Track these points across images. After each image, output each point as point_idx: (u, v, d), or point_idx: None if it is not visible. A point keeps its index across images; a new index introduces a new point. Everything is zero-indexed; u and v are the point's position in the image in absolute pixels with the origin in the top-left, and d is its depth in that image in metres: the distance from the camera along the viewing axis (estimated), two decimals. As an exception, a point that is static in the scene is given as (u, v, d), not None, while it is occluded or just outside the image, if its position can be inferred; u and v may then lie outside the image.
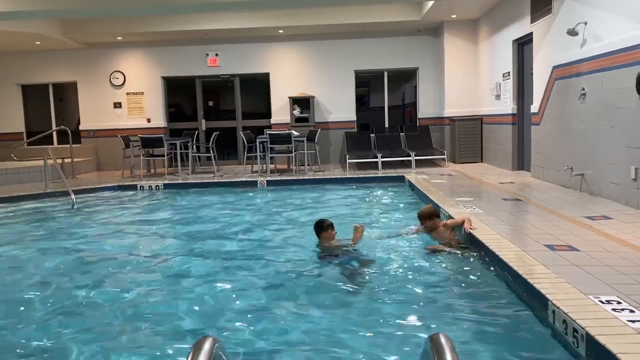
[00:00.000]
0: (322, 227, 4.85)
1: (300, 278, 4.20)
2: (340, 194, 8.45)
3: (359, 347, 2.95)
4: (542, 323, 3.04)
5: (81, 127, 12.89)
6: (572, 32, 6.73)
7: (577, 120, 6.91)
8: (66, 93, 13.34)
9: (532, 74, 8.54)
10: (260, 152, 10.70)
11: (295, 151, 10.57)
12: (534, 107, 8.31)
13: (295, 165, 10.89)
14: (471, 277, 4.02)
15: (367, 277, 4.15)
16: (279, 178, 9.79)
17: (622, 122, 5.85)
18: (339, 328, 3.21)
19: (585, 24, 6.58)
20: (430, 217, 5.04)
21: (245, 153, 11.21)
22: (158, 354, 3.02)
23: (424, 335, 1.80)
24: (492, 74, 10.45)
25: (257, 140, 10.68)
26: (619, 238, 4.40)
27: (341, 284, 4.00)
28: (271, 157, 10.73)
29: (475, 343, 2.93)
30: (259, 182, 9.48)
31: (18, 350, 3.10)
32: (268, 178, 9.67)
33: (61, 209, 7.84)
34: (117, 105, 12.82)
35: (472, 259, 4.38)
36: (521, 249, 4.11)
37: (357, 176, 9.82)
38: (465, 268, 4.23)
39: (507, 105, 9.66)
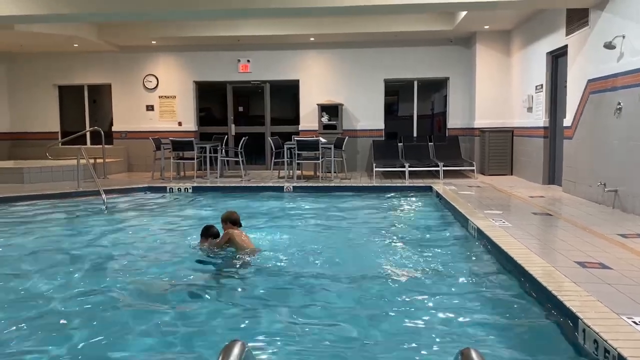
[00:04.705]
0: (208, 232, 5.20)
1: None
2: (366, 202, 8.42)
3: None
4: (571, 341, 2.98)
5: (114, 129, 13.17)
6: (609, 46, 6.60)
7: (611, 135, 6.76)
8: (100, 95, 13.66)
9: (565, 87, 8.40)
10: (287, 158, 10.76)
11: (322, 158, 10.60)
12: (567, 121, 8.17)
13: (322, 172, 10.91)
14: (498, 292, 3.96)
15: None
16: (305, 184, 9.82)
17: (659, 139, 5.71)
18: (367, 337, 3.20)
19: (623, 37, 6.44)
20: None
21: (273, 159, 11.28)
22: (183, 358, 3.05)
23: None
24: (524, 86, 10.31)
25: (285, 146, 10.74)
26: (653, 257, 4.28)
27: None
28: (298, 164, 10.77)
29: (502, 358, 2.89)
30: (285, 187, 9.52)
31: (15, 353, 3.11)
32: (294, 184, 9.70)
33: (92, 208, 8.00)
34: (150, 108, 13.06)
35: (498, 273, 4.33)
36: (550, 265, 4.03)
37: (383, 185, 9.78)
38: (492, 282, 4.17)
39: (539, 118, 9.51)
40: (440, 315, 3.55)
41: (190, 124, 13.01)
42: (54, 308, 3.78)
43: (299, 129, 12.68)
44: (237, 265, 4.71)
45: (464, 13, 9.81)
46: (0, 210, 7.83)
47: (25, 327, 3.41)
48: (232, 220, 5.16)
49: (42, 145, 11.65)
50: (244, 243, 4.98)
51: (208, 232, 5.18)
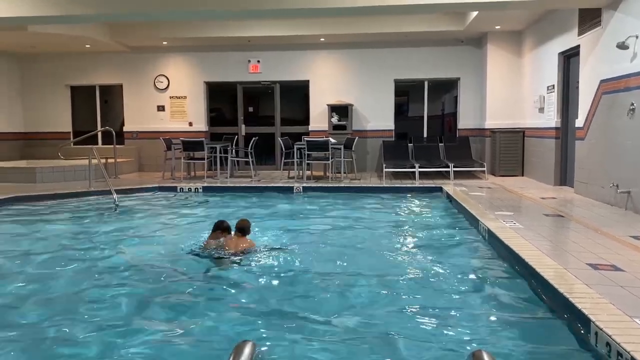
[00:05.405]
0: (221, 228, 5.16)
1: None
2: (376, 202, 8.41)
3: None
4: (582, 344, 2.95)
5: (125, 129, 13.26)
6: (622, 46, 6.54)
7: (624, 136, 6.70)
8: (112, 95, 13.75)
9: (577, 87, 8.33)
10: (297, 158, 10.77)
11: (332, 158, 10.60)
12: (579, 122, 8.10)
13: (332, 173, 10.91)
14: (509, 294, 3.94)
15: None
16: (315, 185, 9.82)
17: (673, 140, 5.64)
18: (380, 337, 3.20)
19: (637, 37, 6.38)
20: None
21: (283, 159, 11.30)
22: (195, 356, 3.07)
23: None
24: (535, 86, 10.24)
25: (295, 147, 10.75)
26: (667, 260, 4.24)
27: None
28: (308, 164, 10.77)
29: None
30: (295, 188, 9.52)
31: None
32: (304, 184, 9.70)
33: (103, 207, 8.05)
34: (161, 108, 13.13)
35: (507, 274, 4.30)
36: (562, 267, 4.00)
37: (393, 185, 9.75)
38: (503, 284, 4.15)
39: (550, 118, 9.44)
40: (451, 316, 3.54)
41: (200, 124, 13.06)
42: (61, 305, 3.83)
43: (309, 129, 12.68)
44: (241, 264, 4.72)
45: (475, 13, 9.76)
46: (13, 210, 7.90)
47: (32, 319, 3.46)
48: (238, 227, 5.20)
49: (55, 145, 11.77)
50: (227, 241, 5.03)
51: (220, 227, 5.18)
